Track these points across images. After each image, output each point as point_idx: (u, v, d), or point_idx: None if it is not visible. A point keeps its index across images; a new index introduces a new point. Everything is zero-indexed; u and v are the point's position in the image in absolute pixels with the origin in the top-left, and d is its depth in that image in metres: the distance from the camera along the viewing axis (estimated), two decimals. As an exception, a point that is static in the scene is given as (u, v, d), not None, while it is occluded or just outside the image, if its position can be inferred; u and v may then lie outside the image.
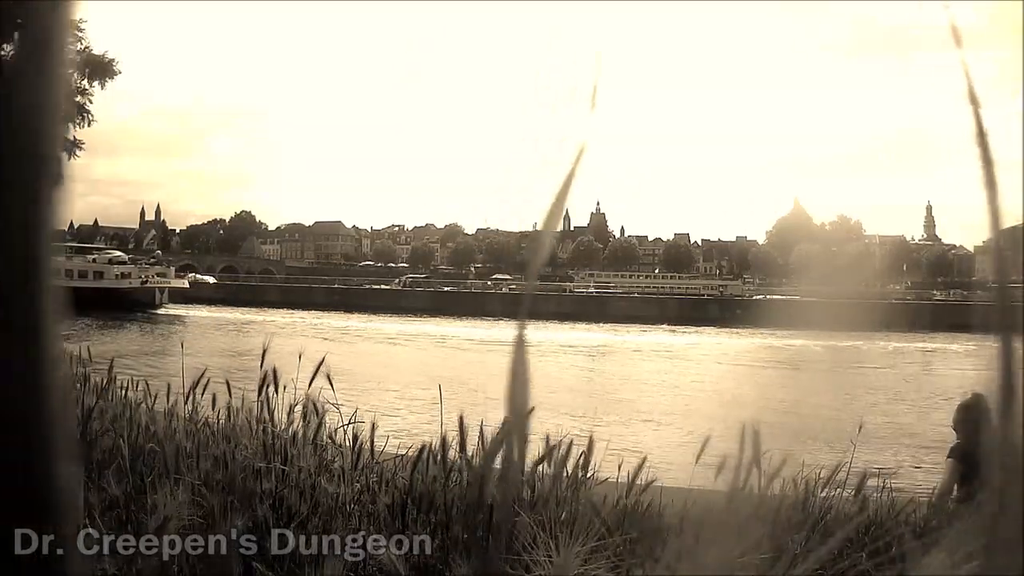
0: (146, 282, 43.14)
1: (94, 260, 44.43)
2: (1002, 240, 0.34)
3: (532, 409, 0.36)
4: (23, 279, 0.30)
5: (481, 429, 2.17)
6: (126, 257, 49.59)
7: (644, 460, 2.13)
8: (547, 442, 2.19)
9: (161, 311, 40.96)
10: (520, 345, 0.35)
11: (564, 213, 0.37)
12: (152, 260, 51.22)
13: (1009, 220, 0.35)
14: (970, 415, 3.16)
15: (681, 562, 0.38)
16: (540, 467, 2.17)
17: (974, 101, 0.35)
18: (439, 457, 2.22)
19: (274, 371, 2.57)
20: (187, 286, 47.42)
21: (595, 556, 0.95)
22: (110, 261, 45.43)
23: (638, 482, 2.11)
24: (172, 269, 49.74)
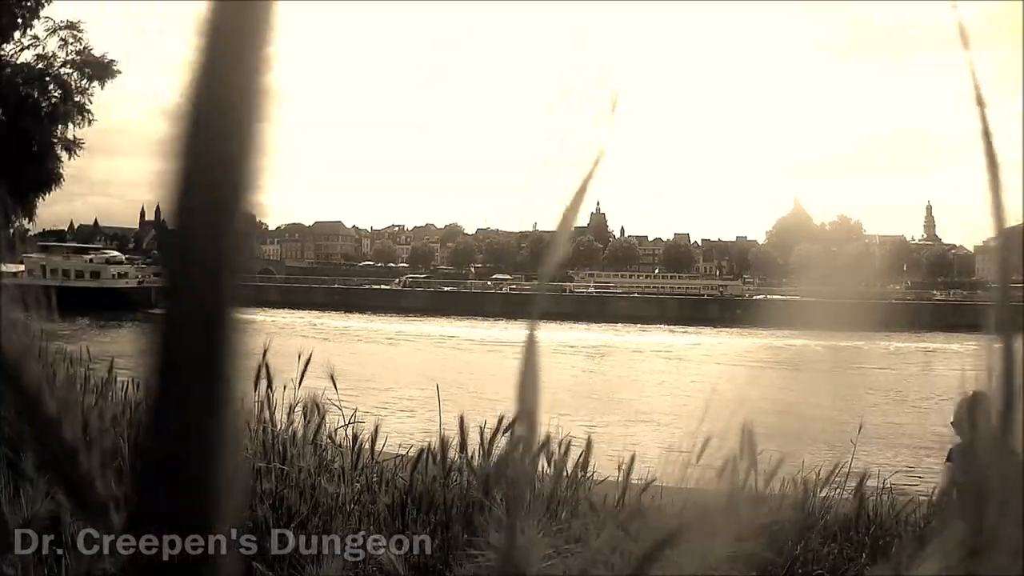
0: (143, 282, 43.40)
1: (91, 260, 44.67)
2: (1003, 240, 0.34)
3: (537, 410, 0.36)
4: (210, 303, 0.29)
5: (481, 430, 2.18)
6: (123, 257, 49.88)
7: (642, 460, 2.13)
8: (546, 442, 2.19)
9: (158, 311, 41.03)
10: (531, 346, 0.35)
11: (578, 215, 0.37)
12: (148, 260, 51.60)
13: (1010, 220, 0.35)
14: (970, 413, 3.13)
15: (680, 561, 0.38)
16: (540, 467, 2.17)
17: (980, 102, 0.35)
18: (439, 457, 2.22)
19: (267, 367, 2.57)
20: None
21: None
22: (107, 261, 45.69)
23: (638, 482, 2.11)
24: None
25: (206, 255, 0.29)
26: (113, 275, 43.17)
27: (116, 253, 52.24)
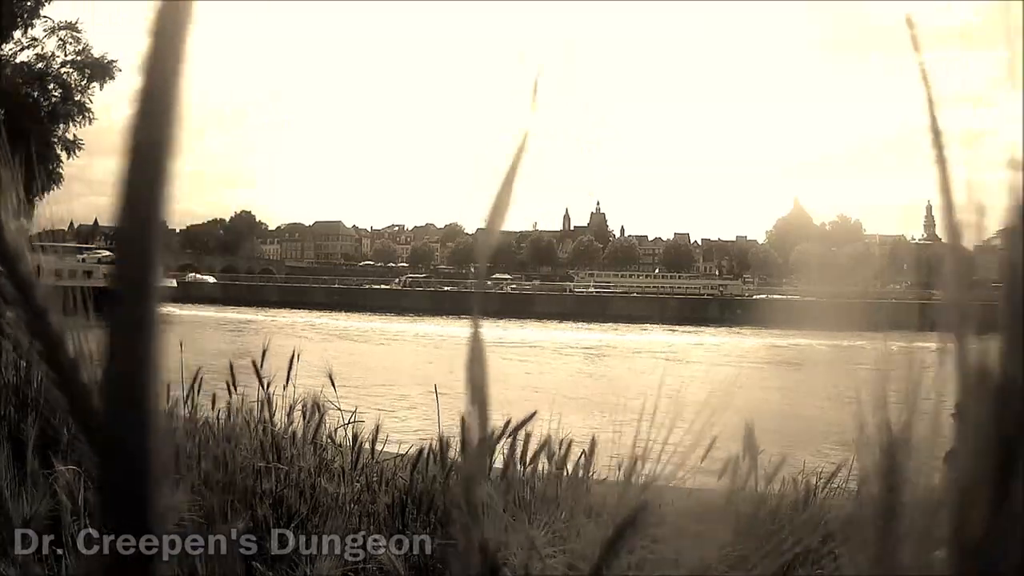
0: None
1: (83, 260, 45.22)
2: (1001, 240, 0.35)
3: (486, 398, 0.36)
4: (136, 295, 0.32)
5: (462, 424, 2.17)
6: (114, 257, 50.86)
7: (641, 459, 2.13)
8: (547, 442, 2.19)
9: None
10: (476, 335, 0.37)
11: (508, 210, 0.37)
12: None
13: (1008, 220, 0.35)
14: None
15: (678, 560, 0.38)
16: (540, 467, 2.17)
17: (931, 103, 0.35)
18: (439, 457, 2.22)
19: (254, 363, 2.58)
20: (175, 285, 48.93)
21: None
22: (99, 261, 46.26)
23: (637, 482, 2.11)
24: (162, 268, 51.52)
25: (133, 258, 0.32)
26: (104, 274, 43.77)
27: (108, 253, 52.74)
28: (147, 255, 0.32)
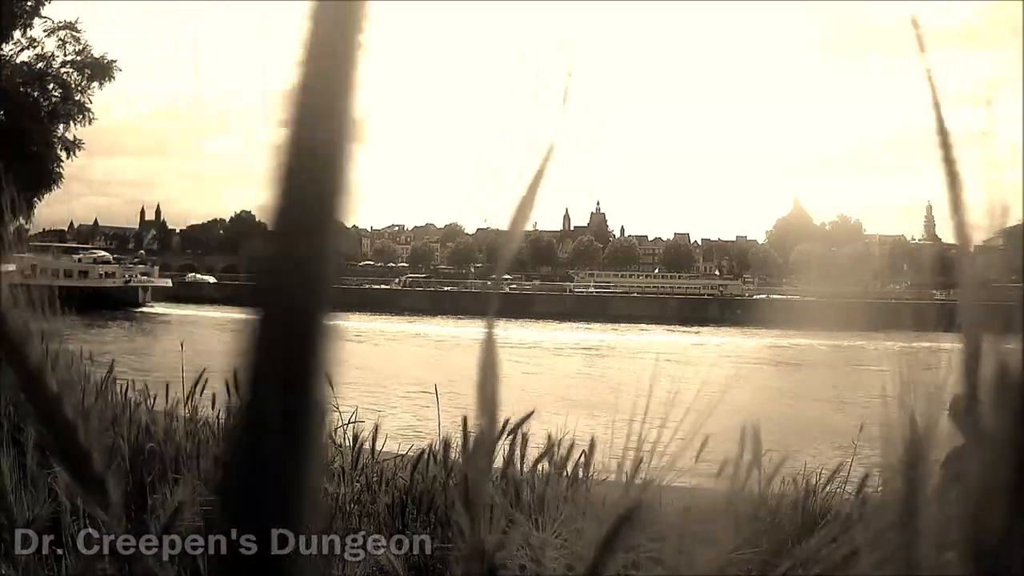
0: (129, 281, 44.41)
1: (80, 260, 45.30)
2: (1002, 240, 0.35)
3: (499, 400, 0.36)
4: (305, 293, 0.29)
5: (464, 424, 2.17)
6: (111, 257, 50.95)
7: (640, 459, 2.13)
8: (547, 441, 2.19)
9: (145, 309, 42.10)
10: (490, 339, 0.36)
11: (532, 213, 0.37)
12: (136, 260, 53.18)
13: (1011, 220, 0.35)
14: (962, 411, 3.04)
15: (679, 560, 0.38)
16: (540, 467, 2.17)
17: (937, 103, 0.35)
18: (440, 457, 2.22)
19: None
20: (170, 284, 49.13)
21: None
22: (95, 261, 46.44)
23: (637, 481, 2.11)
24: (156, 268, 51.84)
25: (304, 259, 0.29)
26: (100, 274, 43.84)
27: (103, 253, 52.90)
28: (316, 259, 0.29)
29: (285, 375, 0.29)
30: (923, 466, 0.33)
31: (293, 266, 0.29)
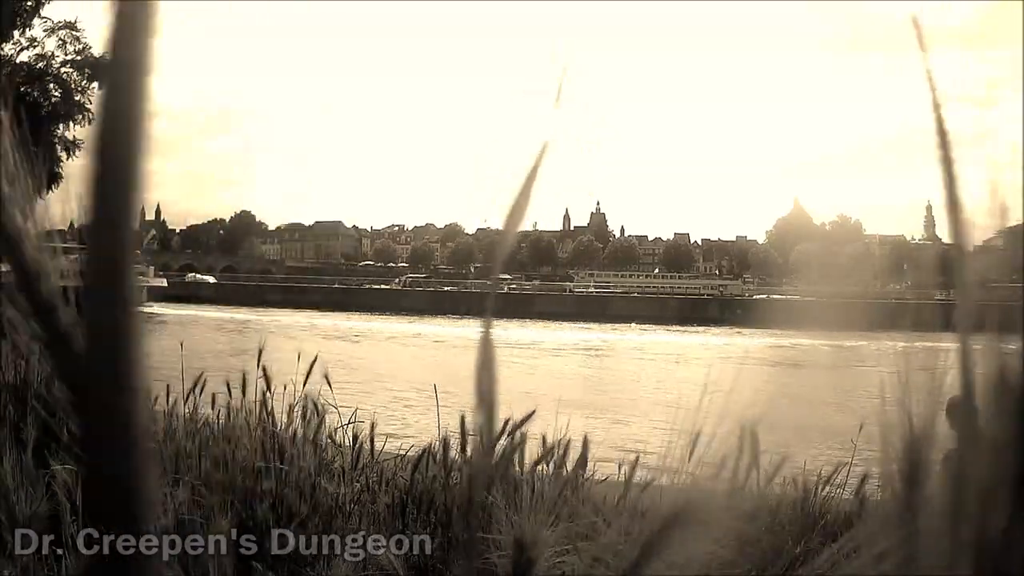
0: None
1: (75, 260, 45.86)
2: (1002, 240, 0.35)
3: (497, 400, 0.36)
4: (110, 286, 0.32)
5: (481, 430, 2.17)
6: None
7: (638, 459, 2.13)
8: (545, 442, 2.19)
9: (140, 309, 42.42)
10: (486, 338, 0.36)
11: (526, 212, 0.37)
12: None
13: (1010, 220, 0.35)
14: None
15: (677, 559, 0.38)
16: (539, 467, 2.17)
17: (936, 104, 0.35)
18: (440, 457, 2.22)
19: (265, 370, 2.57)
20: (165, 284, 49.69)
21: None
22: None
23: (637, 481, 2.11)
24: (152, 268, 52.21)
25: (105, 254, 0.32)
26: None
27: None
28: (119, 252, 0.32)
29: (96, 365, 0.32)
30: (921, 466, 0.33)
31: (98, 262, 0.32)
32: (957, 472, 0.31)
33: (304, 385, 2.60)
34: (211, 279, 63.42)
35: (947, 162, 0.34)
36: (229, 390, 2.74)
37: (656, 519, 0.37)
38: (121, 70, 0.31)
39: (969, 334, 0.33)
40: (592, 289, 61.11)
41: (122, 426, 0.31)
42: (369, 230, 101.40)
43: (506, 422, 2.01)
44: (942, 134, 0.34)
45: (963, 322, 0.33)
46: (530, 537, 0.42)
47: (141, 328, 0.32)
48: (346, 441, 2.50)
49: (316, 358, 2.69)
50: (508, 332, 33.00)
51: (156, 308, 42.85)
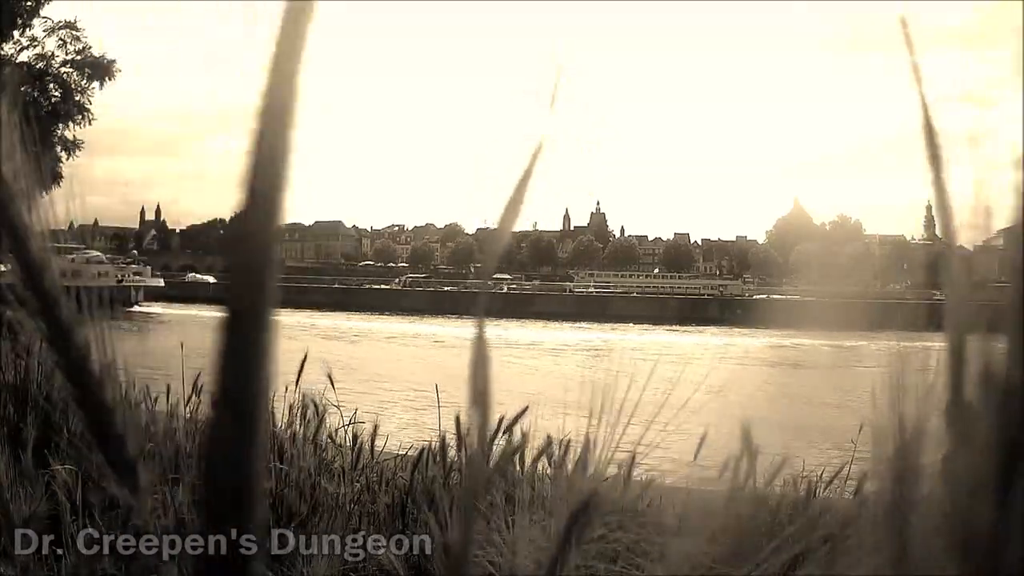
0: (121, 281, 45.17)
1: (73, 260, 46.00)
2: (1001, 240, 0.35)
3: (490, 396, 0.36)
4: (252, 295, 0.31)
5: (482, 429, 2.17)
6: (104, 257, 51.81)
7: (636, 458, 2.13)
8: (547, 441, 2.19)
9: (137, 309, 42.66)
10: (480, 337, 0.37)
11: (520, 212, 0.37)
12: (128, 260, 54.20)
13: (1010, 220, 0.35)
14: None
15: (677, 558, 0.38)
16: (539, 467, 2.17)
17: (924, 106, 0.35)
18: (439, 457, 2.22)
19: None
20: (162, 284, 49.87)
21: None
22: (87, 261, 47.06)
23: (637, 481, 2.11)
24: (149, 268, 52.59)
25: (252, 254, 0.32)
26: (93, 275, 44.65)
27: (96, 253, 53.59)
28: (264, 263, 0.32)
29: (238, 370, 0.31)
30: (914, 467, 0.33)
31: (243, 268, 0.32)
32: (947, 472, 0.31)
33: (297, 383, 2.60)
34: (211, 279, 63.48)
35: (936, 161, 0.34)
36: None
37: (655, 519, 0.37)
38: (279, 74, 0.30)
39: (961, 333, 0.33)
40: (592, 289, 61.12)
41: (247, 427, 0.31)
42: (369, 230, 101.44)
43: (500, 420, 2.01)
44: (930, 133, 0.34)
45: (953, 321, 0.33)
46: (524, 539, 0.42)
47: (272, 344, 0.31)
48: (346, 441, 2.50)
49: (305, 357, 2.70)
50: (508, 332, 33.01)
51: (157, 308, 42.91)
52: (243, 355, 0.31)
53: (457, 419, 2.16)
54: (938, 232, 0.35)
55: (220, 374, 0.31)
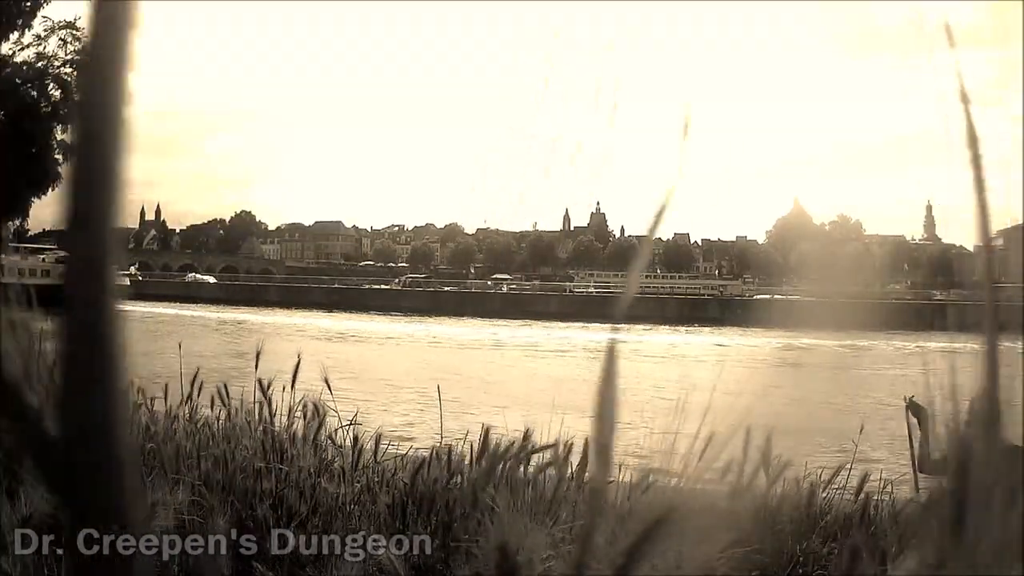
0: None
1: (44, 259, 46.29)
2: (1002, 240, 0.34)
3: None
4: (91, 288, 0.32)
5: (484, 433, 2.17)
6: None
7: (637, 460, 2.13)
8: (552, 442, 2.19)
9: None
10: (611, 355, 0.36)
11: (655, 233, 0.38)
12: None
13: (1010, 220, 0.35)
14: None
15: (677, 558, 0.38)
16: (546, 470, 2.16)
17: (965, 99, 0.35)
18: (443, 459, 2.22)
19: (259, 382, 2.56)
20: (127, 284, 50.18)
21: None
22: (56, 260, 47.22)
23: (638, 483, 2.11)
24: (115, 267, 53.31)
25: (86, 252, 0.32)
26: (61, 273, 45.08)
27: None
28: (99, 252, 0.31)
29: (76, 360, 0.32)
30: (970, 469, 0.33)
31: (79, 259, 0.32)
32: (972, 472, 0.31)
33: (293, 384, 2.60)
34: (211, 279, 63.44)
35: (977, 162, 0.34)
36: (227, 391, 2.74)
37: (655, 519, 0.37)
38: (99, 68, 0.31)
39: (994, 334, 0.33)
40: (592, 289, 61.10)
41: (102, 424, 0.31)
42: (369, 230, 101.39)
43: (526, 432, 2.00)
44: (972, 135, 0.34)
45: (986, 322, 0.33)
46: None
47: (120, 327, 0.32)
48: (346, 442, 2.50)
49: (299, 360, 2.70)
50: (506, 332, 33.00)
51: (159, 308, 42.83)
52: (83, 340, 0.32)
53: (485, 431, 2.14)
54: (975, 233, 0.34)
55: (64, 353, 0.32)
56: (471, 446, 2.17)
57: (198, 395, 2.76)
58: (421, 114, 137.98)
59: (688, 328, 40.91)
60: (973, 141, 0.34)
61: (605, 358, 0.35)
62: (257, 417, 2.54)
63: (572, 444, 2.18)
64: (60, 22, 26.27)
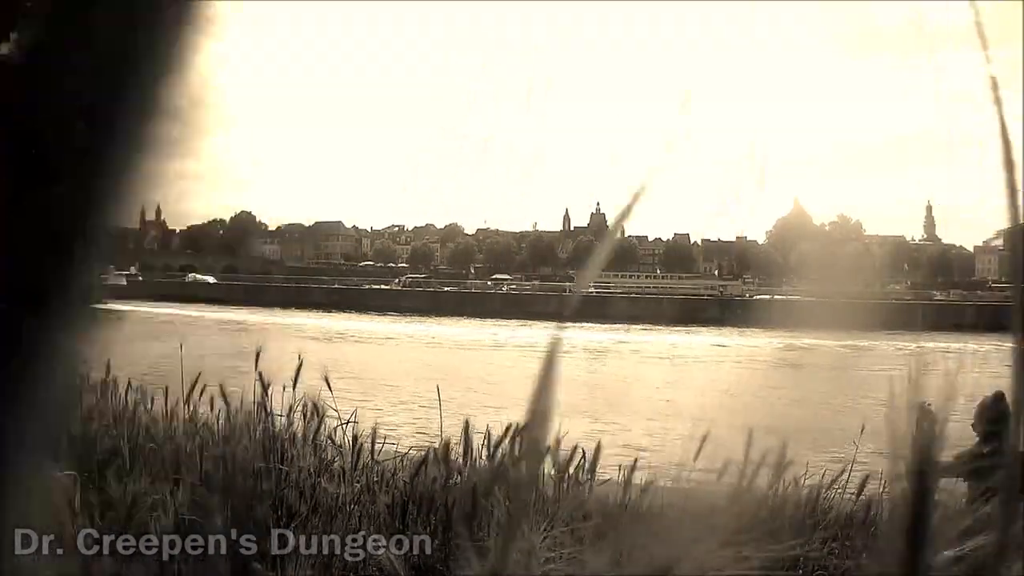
0: None
1: None
2: (1006, 240, 0.34)
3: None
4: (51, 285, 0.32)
5: (488, 432, 2.17)
6: None
7: (637, 460, 2.13)
8: (551, 445, 2.18)
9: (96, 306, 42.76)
10: (553, 350, 0.36)
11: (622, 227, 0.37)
12: None
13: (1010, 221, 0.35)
14: (989, 414, 2.66)
15: (676, 557, 0.38)
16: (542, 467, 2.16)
17: (998, 102, 0.35)
18: (441, 459, 2.22)
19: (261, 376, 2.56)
20: (125, 284, 50.00)
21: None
22: None
23: (637, 483, 2.11)
24: (112, 267, 52.94)
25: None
26: None
27: None
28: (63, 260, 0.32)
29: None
30: (930, 468, 0.33)
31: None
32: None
33: (295, 384, 2.60)
34: (211, 279, 63.39)
35: (1009, 166, 0.34)
36: (226, 392, 2.74)
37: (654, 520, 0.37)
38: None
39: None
40: (592, 289, 61.07)
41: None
42: (369, 230, 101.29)
43: (508, 427, 2.00)
44: (1005, 138, 0.34)
45: (1018, 325, 0.33)
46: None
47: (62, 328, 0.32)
48: (346, 442, 2.49)
49: (300, 362, 2.70)
50: (506, 332, 32.99)
51: (161, 308, 42.76)
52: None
53: (465, 425, 2.15)
54: (1004, 233, 0.35)
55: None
56: (470, 446, 2.17)
57: (199, 396, 2.76)
58: (421, 114, 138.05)
59: (688, 328, 40.88)
60: (1007, 145, 0.34)
61: (546, 356, 0.35)
62: (257, 417, 2.54)
63: (577, 446, 2.18)
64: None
